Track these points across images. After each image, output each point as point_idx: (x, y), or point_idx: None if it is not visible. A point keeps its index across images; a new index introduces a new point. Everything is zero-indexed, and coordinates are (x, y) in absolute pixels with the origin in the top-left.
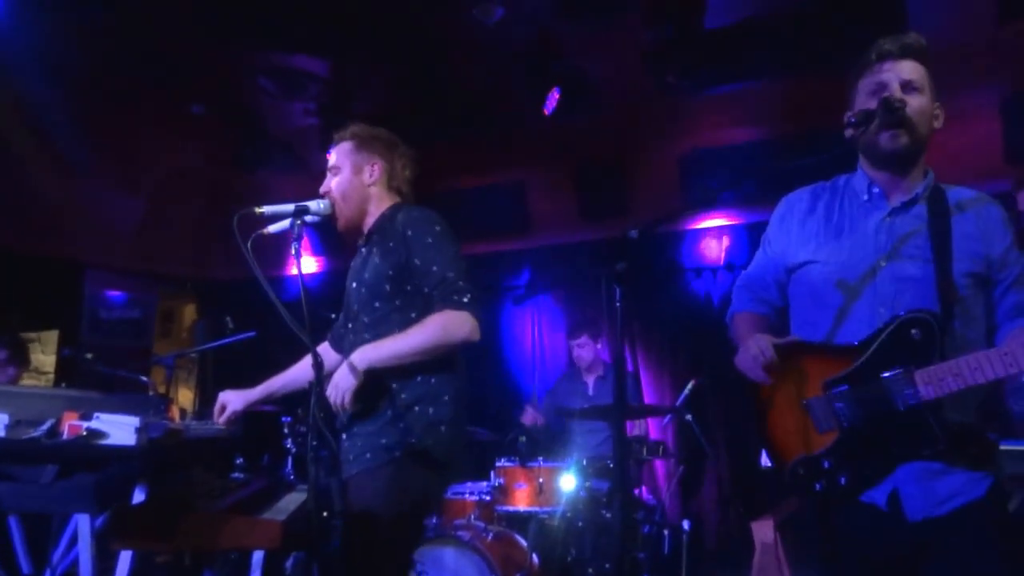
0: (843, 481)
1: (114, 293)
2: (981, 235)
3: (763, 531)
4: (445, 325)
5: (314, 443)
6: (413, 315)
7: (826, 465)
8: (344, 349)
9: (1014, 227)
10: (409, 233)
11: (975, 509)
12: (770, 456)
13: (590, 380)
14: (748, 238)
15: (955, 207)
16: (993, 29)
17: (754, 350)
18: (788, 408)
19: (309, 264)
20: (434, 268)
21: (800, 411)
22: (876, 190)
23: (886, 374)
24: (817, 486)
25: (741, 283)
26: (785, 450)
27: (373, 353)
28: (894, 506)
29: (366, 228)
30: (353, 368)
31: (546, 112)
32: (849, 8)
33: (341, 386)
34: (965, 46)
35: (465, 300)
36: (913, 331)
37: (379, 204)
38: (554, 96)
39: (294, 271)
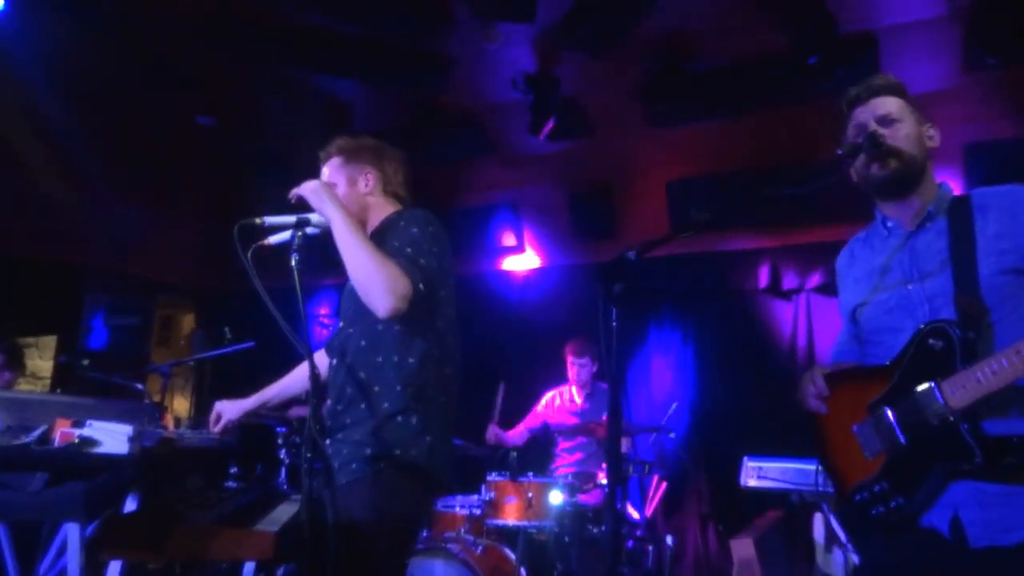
0: (896, 504)
1: (113, 300)
2: (1007, 231)
3: (742, 548)
4: (393, 276)
5: (308, 455)
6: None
7: (878, 489)
8: (334, 349)
9: None
10: (402, 224)
11: None
12: (835, 487)
13: (579, 397)
14: (735, 263)
15: (978, 210)
16: (957, 79)
17: (805, 381)
18: (842, 435)
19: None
20: (408, 250)
21: (850, 439)
22: (891, 223)
23: (917, 389)
24: (874, 511)
25: (833, 346)
26: (845, 479)
27: (343, 217)
28: (956, 532)
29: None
30: (321, 191)
31: (540, 137)
32: (827, 53)
33: (306, 188)
34: (931, 93)
35: (420, 287)
36: (932, 342)
37: (379, 211)
38: (549, 124)
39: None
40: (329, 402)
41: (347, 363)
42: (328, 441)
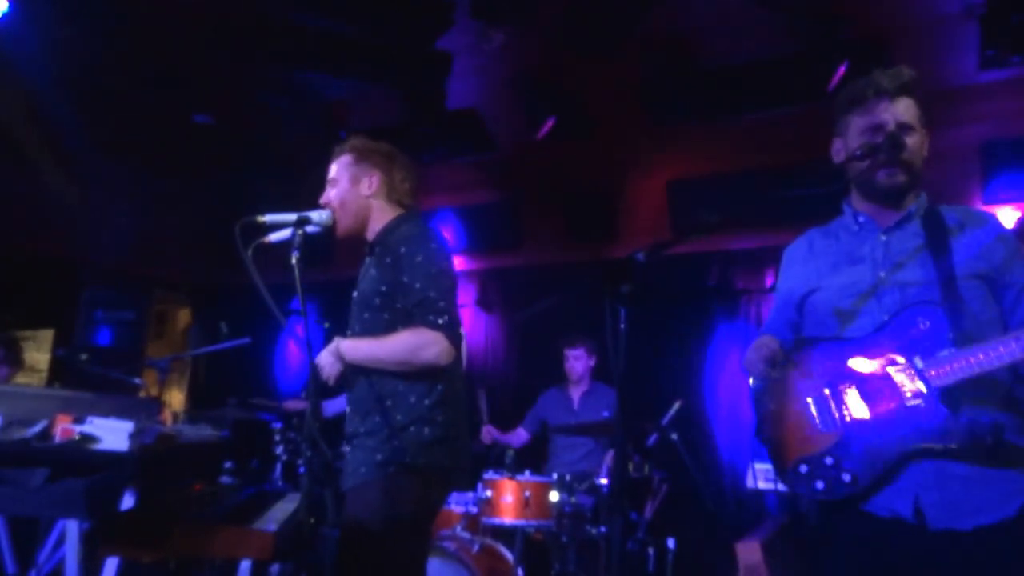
0: (847, 478)
1: (110, 295)
2: (977, 243)
3: (748, 553)
4: (412, 343)
5: (308, 453)
6: (399, 331)
7: (828, 462)
8: None
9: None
10: (403, 250)
11: (1005, 531)
12: (772, 458)
13: (575, 395)
14: (732, 264)
15: (950, 219)
16: (974, 77)
17: (758, 344)
18: (793, 407)
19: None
20: (417, 286)
21: (804, 409)
22: (862, 218)
23: (892, 365)
24: (819, 484)
25: (762, 332)
26: (788, 450)
27: (352, 348)
28: (918, 515)
29: (369, 239)
30: (335, 353)
31: (538, 136)
32: (835, 50)
33: (326, 370)
34: (947, 91)
35: (440, 322)
36: (920, 320)
37: (381, 216)
38: (548, 124)
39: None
40: (347, 410)
41: (364, 375)
42: (347, 447)
